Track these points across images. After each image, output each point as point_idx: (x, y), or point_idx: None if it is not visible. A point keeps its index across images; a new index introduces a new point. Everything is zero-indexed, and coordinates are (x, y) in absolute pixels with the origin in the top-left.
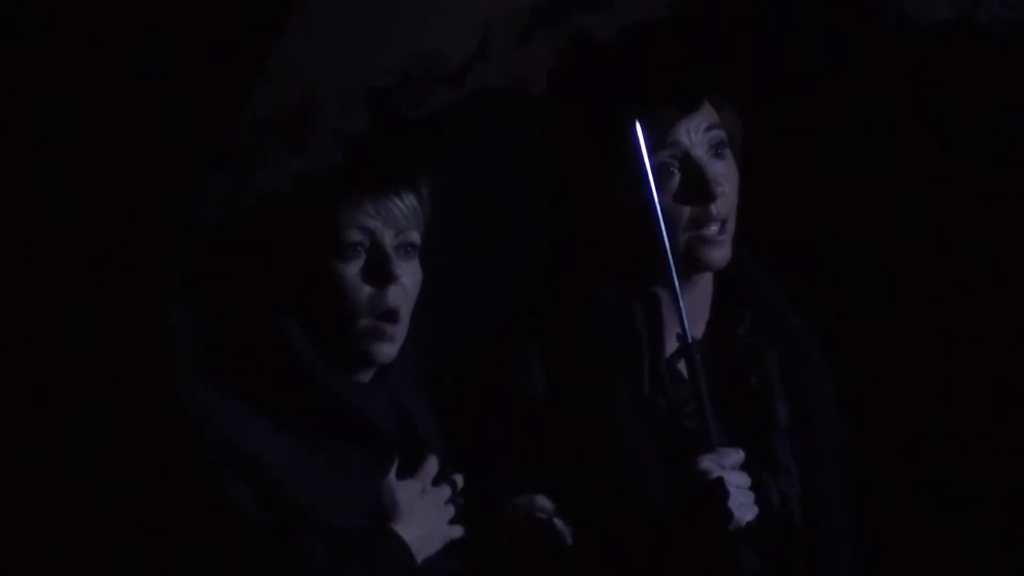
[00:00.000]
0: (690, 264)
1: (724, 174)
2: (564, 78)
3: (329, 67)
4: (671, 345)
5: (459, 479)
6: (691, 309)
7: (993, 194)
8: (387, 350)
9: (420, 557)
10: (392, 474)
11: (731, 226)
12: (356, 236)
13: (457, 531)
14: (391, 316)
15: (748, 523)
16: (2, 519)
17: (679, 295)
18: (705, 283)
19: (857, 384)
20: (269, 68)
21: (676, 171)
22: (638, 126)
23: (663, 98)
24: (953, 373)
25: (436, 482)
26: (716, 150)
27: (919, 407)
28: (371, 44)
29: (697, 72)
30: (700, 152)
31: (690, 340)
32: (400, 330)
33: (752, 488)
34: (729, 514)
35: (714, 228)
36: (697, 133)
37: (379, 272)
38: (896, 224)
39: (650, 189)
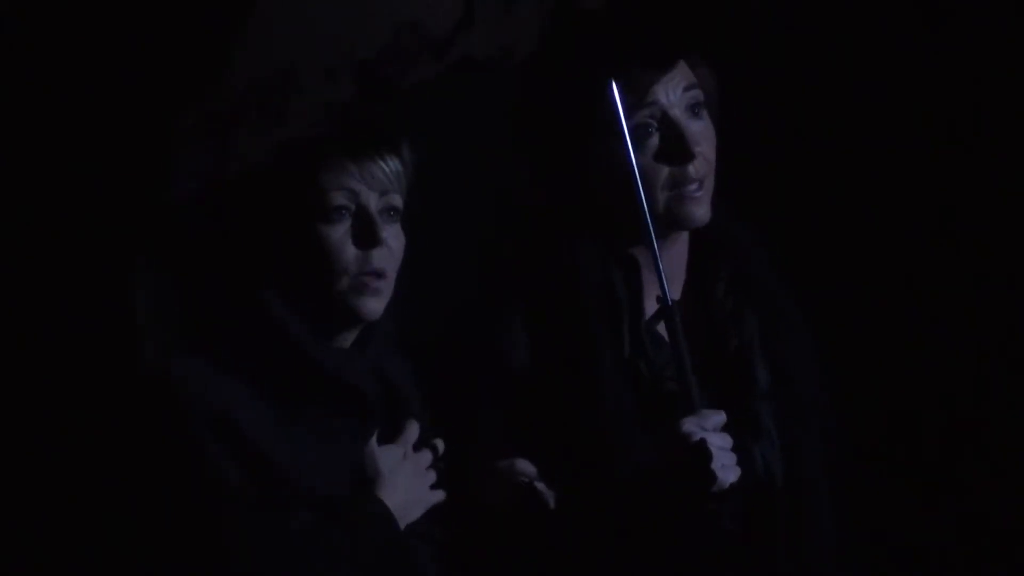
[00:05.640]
0: (670, 223)
1: (702, 133)
2: (544, 40)
3: (309, 37)
4: (650, 307)
5: (440, 444)
6: (668, 270)
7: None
8: (373, 305)
9: (403, 523)
10: (373, 440)
11: (709, 184)
12: (341, 199)
13: (439, 496)
14: (377, 273)
15: (731, 485)
16: None
17: (658, 256)
18: (681, 244)
19: (838, 344)
20: (246, 38)
21: (655, 131)
22: (614, 86)
23: (639, 58)
24: (936, 333)
25: (417, 447)
26: (694, 110)
27: (902, 369)
28: (355, 14)
29: (673, 32)
30: (678, 112)
31: (670, 302)
32: (386, 287)
33: (734, 450)
34: (712, 476)
35: (693, 187)
36: (676, 93)
37: (364, 235)
38: (879, 185)
39: (628, 148)
